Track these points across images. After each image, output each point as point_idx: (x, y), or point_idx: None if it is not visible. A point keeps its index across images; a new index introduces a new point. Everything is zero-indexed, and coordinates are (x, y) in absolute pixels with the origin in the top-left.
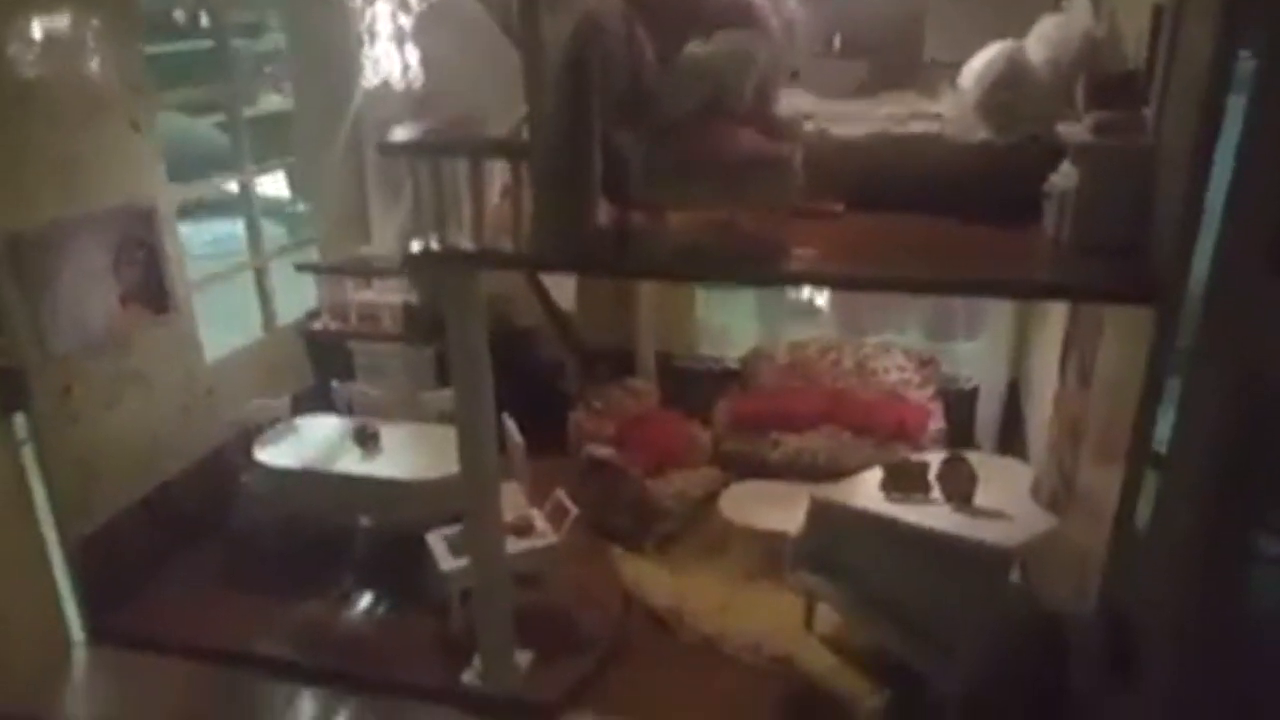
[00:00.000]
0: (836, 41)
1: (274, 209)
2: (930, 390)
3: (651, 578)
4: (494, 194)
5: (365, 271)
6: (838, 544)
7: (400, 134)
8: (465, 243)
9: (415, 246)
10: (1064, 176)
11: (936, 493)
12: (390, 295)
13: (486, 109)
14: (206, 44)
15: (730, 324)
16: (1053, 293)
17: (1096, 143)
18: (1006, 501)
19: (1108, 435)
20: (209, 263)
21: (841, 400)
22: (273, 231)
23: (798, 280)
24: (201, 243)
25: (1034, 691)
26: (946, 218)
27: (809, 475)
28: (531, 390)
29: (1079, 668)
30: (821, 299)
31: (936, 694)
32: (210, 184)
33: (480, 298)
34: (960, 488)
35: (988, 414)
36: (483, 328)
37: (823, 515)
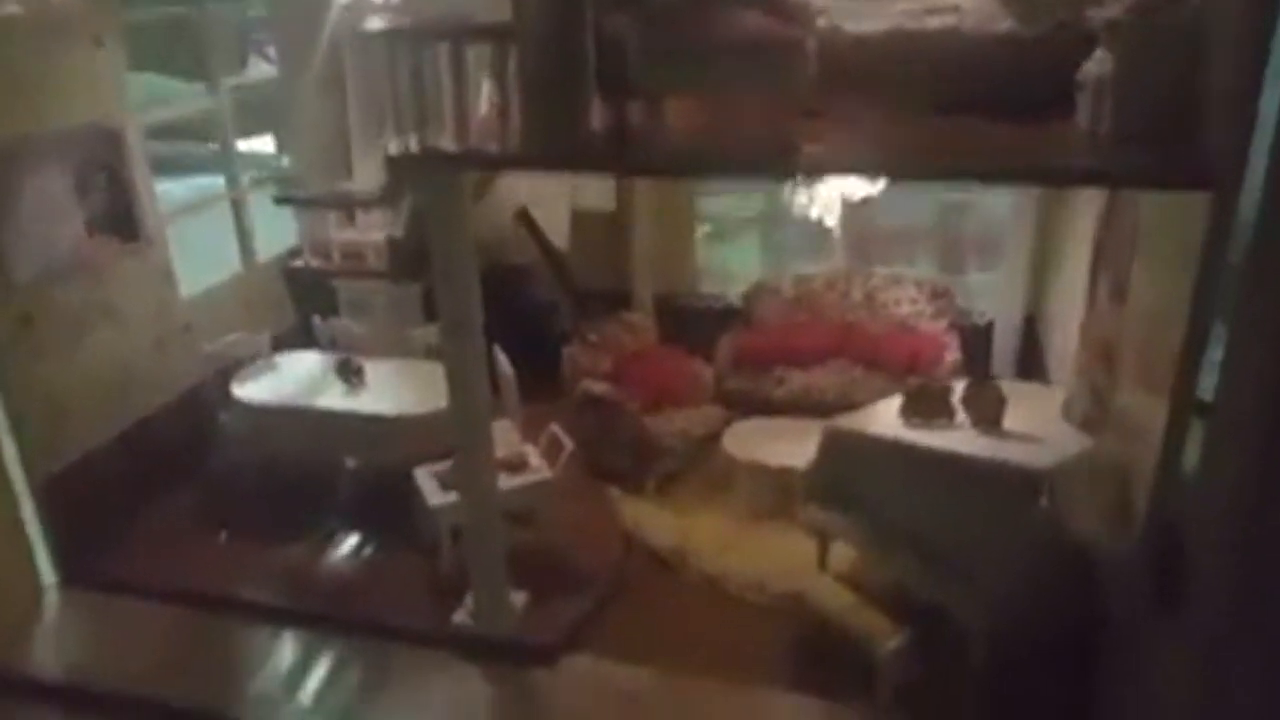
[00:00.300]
0: None
1: (261, 165)
2: (945, 322)
3: (652, 518)
4: (481, 105)
5: (347, 203)
6: (854, 474)
7: (377, 23)
8: (448, 144)
9: (394, 149)
10: (1098, 63)
11: (961, 417)
12: (374, 233)
13: (470, 13)
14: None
15: (731, 261)
16: (1098, 179)
17: (1133, 20)
18: (1036, 425)
19: (1148, 349)
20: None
21: (851, 334)
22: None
23: (810, 171)
24: (183, 194)
25: (1066, 624)
26: (971, 117)
27: (817, 413)
28: (524, 329)
29: (1118, 598)
30: (832, 218)
31: (961, 630)
32: (182, 105)
33: (466, 207)
34: (988, 411)
35: (1004, 349)
36: (469, 240)
37: (837, 444)
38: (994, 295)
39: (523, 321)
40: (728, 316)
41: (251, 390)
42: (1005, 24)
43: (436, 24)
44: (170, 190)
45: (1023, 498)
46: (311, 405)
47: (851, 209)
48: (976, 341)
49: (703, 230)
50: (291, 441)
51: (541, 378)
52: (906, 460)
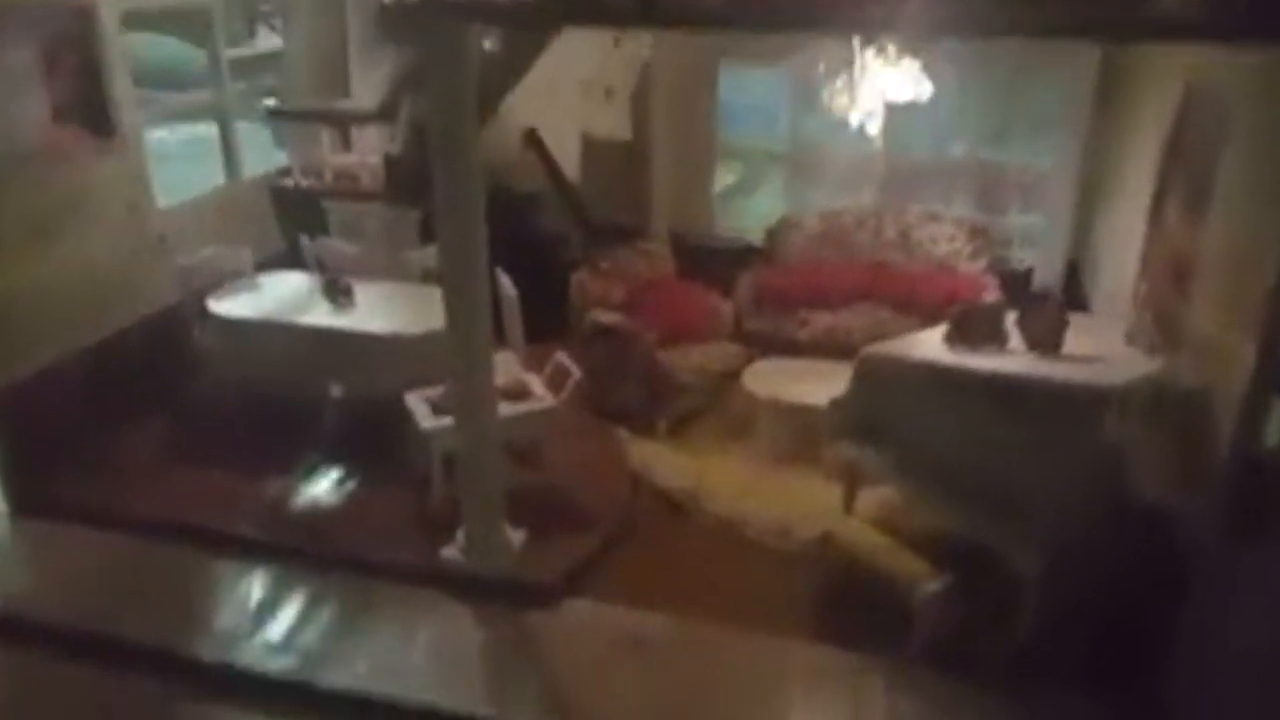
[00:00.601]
0: None
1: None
2: (983, 262)
3: (664, 459)
4: None
5: (341, 118)
6: (892, 405)
7: None
8: None
9: None
10: None
11: (1014, 343)
12: (370, 157)
13: None
14: None
15: (751, 212)
16: (1200, 31)
17: None
18: (1100, 349)
19: (1234, 260)
20: (186, 164)
21: (882, 273)
22: (260, 138)
23: (862, 27)
24: (179, 142)
25: (1129, 563)
26: None
27: (843, 356)
28: (530, 261)
29: (1189, 533)
30: (875, 125)
31: (1010, 573)
32: None
33: (471, 80)
34: (1046, 332)
35: None
36: (473, 129)
37: (873, 372)
38: (1034, 240)
39: (528, 253)
40: (748, 256)
41: (230, 306)
42: None
43: None
44: (164, 140)
45: (1088, 422)
46: (294, 322)
47: (893, 119)
48: (1016, 287)
49: (724, 183)
50: (272, 361)
51: (547, 314)
52: (953, 387)
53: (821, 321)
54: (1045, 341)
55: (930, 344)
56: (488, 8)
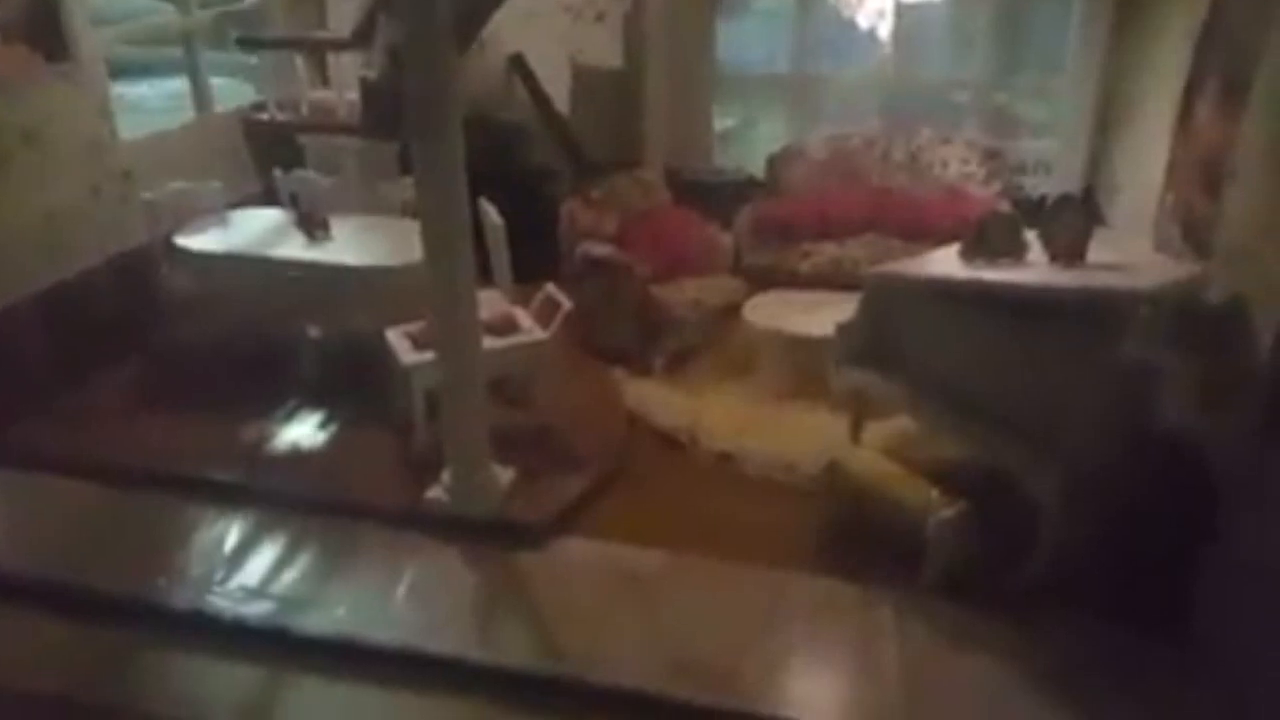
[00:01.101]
0: None
1: (241, 68)
2: (997, 185)
3: (660, 396)
4: None
5: (314, 44)
6: (903, 326)
7: None
8: None
9: None
10: None
11: (1036, 254)
12: (348, 93)
13: None
14: None
15: (753, 143)
16: None
17: None
18: (1126, 258)
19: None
20: (165, 117)
21: (890, 200)
22: (242, 90)
23: None
24: (158, 97)
25: (1155, 489)
26: None
27: (848, 290)
28: (518, 196)
29: (1224, 455)
30: (885, 28)
31: (1028, 498)
32: None
33: None
34: (1070, 240)
35: None
36: (449, 40)
37: (883, 293)
38: (1048, 166)
39: (515, 187)
40: (748, 190)
41: (198, 240)
42: None
43: None
44: (144, 97)
45: (1116, 331)
46: (267, 255)
47: (900, 37)
48: (1029, 217)
49: (724, 125)
50: (244, 297)
51: (536, 251)
52: (971, 303)
53: (825, 253)
54: (1069, 249)
55: (944, 260)
56: None
